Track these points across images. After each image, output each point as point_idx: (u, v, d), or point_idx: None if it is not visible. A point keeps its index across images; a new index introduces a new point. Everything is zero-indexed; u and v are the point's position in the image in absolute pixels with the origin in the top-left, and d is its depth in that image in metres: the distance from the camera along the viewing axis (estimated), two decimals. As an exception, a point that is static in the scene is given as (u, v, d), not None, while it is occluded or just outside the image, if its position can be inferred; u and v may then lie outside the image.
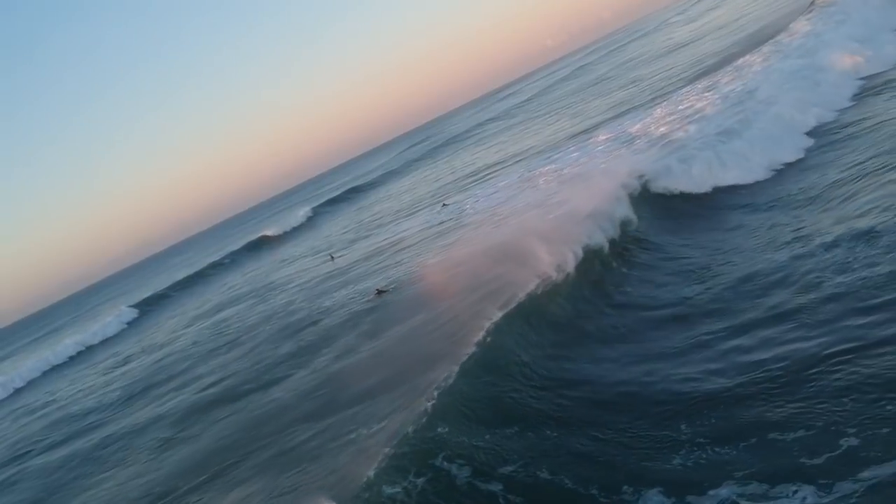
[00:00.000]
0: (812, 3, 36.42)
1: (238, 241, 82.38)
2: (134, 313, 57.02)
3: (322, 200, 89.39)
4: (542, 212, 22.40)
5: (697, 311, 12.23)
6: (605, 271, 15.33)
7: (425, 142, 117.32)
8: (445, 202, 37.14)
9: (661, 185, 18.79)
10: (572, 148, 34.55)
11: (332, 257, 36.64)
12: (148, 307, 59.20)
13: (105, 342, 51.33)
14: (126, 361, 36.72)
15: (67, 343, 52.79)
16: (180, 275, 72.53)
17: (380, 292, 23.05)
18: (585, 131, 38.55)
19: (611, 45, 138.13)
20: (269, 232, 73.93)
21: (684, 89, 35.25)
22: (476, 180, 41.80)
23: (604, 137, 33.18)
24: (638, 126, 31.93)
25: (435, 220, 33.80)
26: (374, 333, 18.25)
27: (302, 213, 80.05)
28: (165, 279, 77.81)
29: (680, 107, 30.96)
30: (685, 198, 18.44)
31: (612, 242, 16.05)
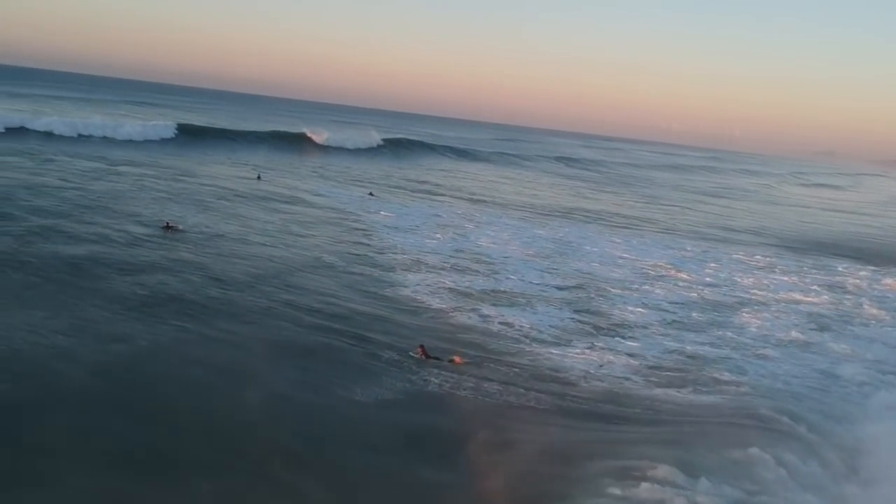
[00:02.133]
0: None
1: (286, 123, 74.83)
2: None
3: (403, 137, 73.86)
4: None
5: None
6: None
7: (511, 141, 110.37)
8: (372, 193, 33.00)
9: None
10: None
11: (260, 177, 33.57)
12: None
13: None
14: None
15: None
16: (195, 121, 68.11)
17: (169, 227, 19.99)
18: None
19: (721, 162, 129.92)
20: (318, 138, 59.58)
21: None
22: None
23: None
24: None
25: (347, 205, 28.84)
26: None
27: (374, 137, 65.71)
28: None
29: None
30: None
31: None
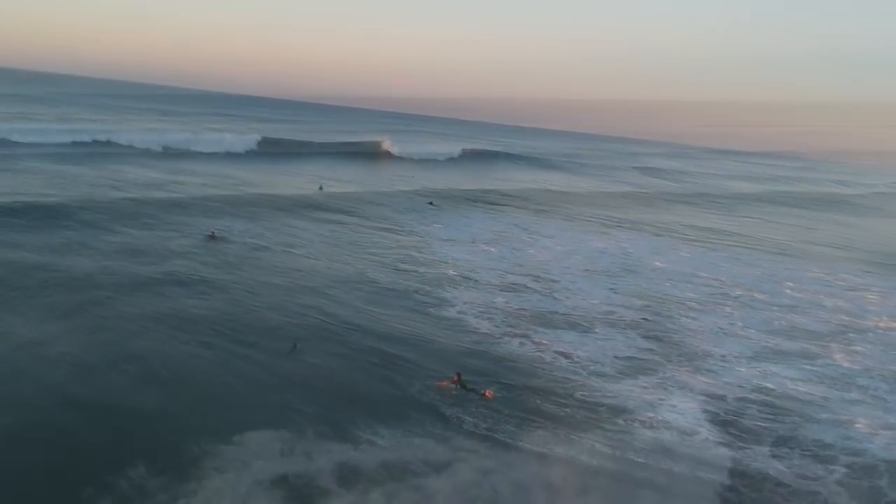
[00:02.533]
0: None
1: (366, 134, 73.58)
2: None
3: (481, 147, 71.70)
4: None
5: None
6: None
7: (595, 151, 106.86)
8: (433, 201, 31.34)
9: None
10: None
11: (322, 187, 32.77)
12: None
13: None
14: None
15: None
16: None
17: (214, 237, 19.59)
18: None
19: (814, 172, 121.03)
20: (394, 149, 60.05)
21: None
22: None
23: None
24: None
25: (404, 215, 27.44)
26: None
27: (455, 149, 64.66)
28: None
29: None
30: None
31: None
